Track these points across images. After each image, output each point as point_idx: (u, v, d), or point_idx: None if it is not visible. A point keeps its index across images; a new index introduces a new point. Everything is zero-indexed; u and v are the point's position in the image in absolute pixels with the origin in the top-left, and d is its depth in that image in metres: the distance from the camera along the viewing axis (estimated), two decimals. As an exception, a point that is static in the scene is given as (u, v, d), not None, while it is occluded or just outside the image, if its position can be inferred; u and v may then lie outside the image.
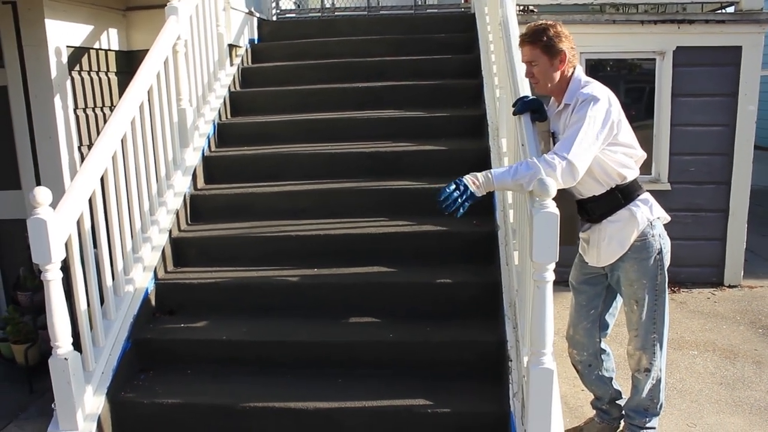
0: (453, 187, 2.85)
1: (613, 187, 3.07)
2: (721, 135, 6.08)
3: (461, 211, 2.85)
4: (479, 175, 2.88)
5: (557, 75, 3.08)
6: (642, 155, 3.15)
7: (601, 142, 2.93)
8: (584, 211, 3.20)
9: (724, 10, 6.73)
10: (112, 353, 3.30)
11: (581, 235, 3.33)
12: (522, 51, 3.15)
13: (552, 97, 3.32)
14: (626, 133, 3.05)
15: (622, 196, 3.08)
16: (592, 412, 3.68)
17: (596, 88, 3.00)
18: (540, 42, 3.05)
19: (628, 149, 3.07)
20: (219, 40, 5.22)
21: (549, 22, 3.08)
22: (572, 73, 3.10)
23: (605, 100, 2.94)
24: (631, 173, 3.09)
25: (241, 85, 5.54)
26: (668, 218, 3.19)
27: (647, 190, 3.18)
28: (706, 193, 6.19)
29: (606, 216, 3.12)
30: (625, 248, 3.10)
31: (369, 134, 4.74)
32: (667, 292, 3.19)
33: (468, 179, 2.87)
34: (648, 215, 3.09)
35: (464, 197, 2.84)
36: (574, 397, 4.10)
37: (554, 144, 3.16)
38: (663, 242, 3.13)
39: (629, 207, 3.08)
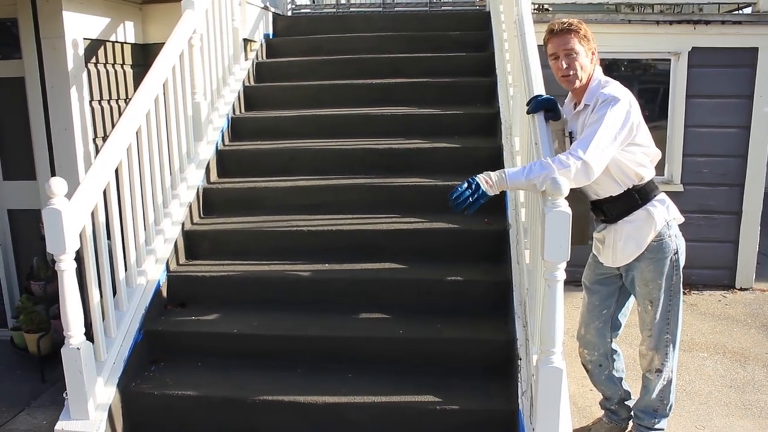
0: (465, 185, 2.85)
1: (630, 187, 3.06)
2: (736, 137, 6.04)
3: (471, 210, 2.85)
4: (493, 174, 2.87)
5: (590, 69, 3.06)
6: (657, 153, 3.14)
7: (619, 143, 2.91)
8: (600, 211, 3.19)
9: (741, 11, 6.68)
10: (124, 344, 3.32)
11: (596, 235, 3.32)
12: (554, 42, 3.05)
13: (566, 98, 3.31)
14: (644, 134, 3.04)
15: (639, 196, 3.07)
16: (600, 412, 3.68)
17: (616, 89, 2.98)
18: (579, 32, 3.01)
19: (646, 148, 3.06)
20: (234, 34, 5.23)
21: (577, 20, 3.07)
22: (592, 73, 3.09)
23: (626, 102, 2.92)
24: (648, 173, 3.08)
25: (256, 79, 5.55)
26: (682, 219, 3.18)
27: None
28: (719, 194, 6.16)
29: (623, 216, 3.10)
30: (642, 248, 3.09)
31: (382, 131, 4.75)
32: (681, 293, 3.19)
33: (481, 178, 2.86)
34: (665, 215, 3.08)
35: (476, 196, 2.83)
36: (582, 396, 4.10)
37: (571, 144, 3.15)
38: (679, 242, 3.12)
39: (646, 207, 3.06)
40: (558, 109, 3.24)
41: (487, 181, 2.85)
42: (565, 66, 3.05)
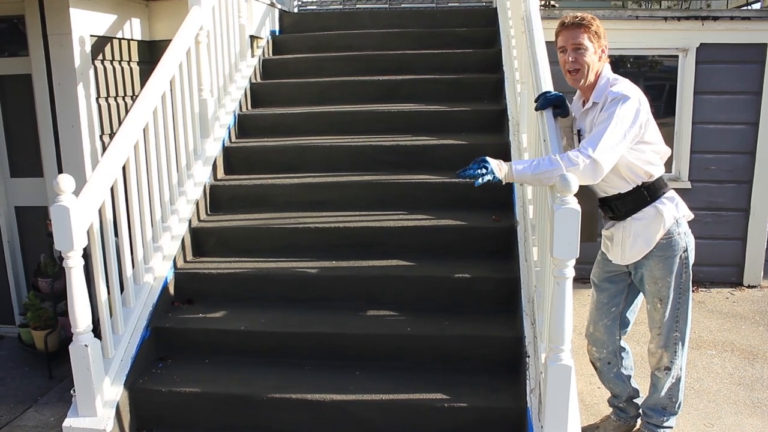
0: (476, 166, 2.85)
1: (639, 184, 3.04)
2: (744, 133, 6.01)
3: (479, 181, 2.83)
4: (504, 164, 2.89)
5: (598, 66, 3.04)
6: (666, 150, 3.12)
7: (629, 141, 2.89)
8: (609, 208, 3.18)
9: (749, 7, 6.65)
10: (131, 341, 3.33)
11: (604, 232, 3.30)
12: (564, 36, 3.05)
13: (575, 95, 3.30)
14: (653, 132, 3.02)
15: (648, 193, 3.05)
16: (608, 410, 3.67)
17: (626, 86, 2.96)
18: (590, 27, 2.99)
19: (655, 146, 3.05)
20: (241, 31, 5.23)
21: (591, 15, 3.05)
22: (601, 71, 3.07)
23: (635, 99, 2.90)
24: (657, 170, 3.06)
25: (262, 76, 5.55)
26: (692, 216, 3.16)
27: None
28: (727, 191, 6.13)
29: (631, 213, 3.09)
30: (651, 246, 3.08)
31: (389, 128, 4.74)
32: (691, 291, 3.17)
33: (494, 163, 2.86)
34: (674, 213, 3.06)
35: (485, 172, 2.83)
36: (590, 394, 4.09)
37: (579, 142, 3.14)
38: (688, 240, 3.10)
39: (655, 204, 3.05)
40: (566, 105, 3.23)
41: (500, 168, 2.87)
42: (571, 60, 3.04)
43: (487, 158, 2.88)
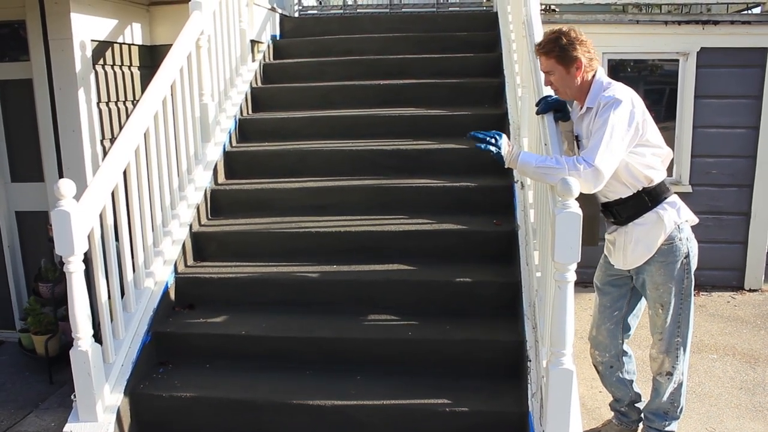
0: (490, 136, 2.90)
1: (640, 189, 3.04)
2: (745, 137, 6.02)
3: (482, 146, 2.90)
4: (516, 148, 2.92)
5: (575, 82, 3.04)
6: (668, 152, 3.11)
7: (627, 144, 2.89)
8: (611, 213, 3.17)
9: (750, 11, 6.65)
10: (132, 346, 3.32)
11: (607, 236, 3.30)
12: (539, 60, 3.13)
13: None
14: (653, 132, 3.02)
15: (648, 198, 3.05)
16: (610, 414, 3.66)
17: (618, 90, 2.96)
18: (553, 53, 3.02)
19: (656, 149, 3.04)
20: (241, 35, 5.23)
21: (563, 29, 3.03)
22: (593, 76, 3.07)
23: (627, 102, 2.90)
24: (658, 175, 3.06)
25: (263, 81, 5.55)
26: (696, 220, 3.16)
27: (671, 193, 3.15)
28: (728, 195, 6.13)
29: (632, 219, 3.09)
30: (652, 251, 3.07)
31: (390, 132, 4.74)
32: (692, 296, 3.16)
33: (505, 142, 2.91)
34: (675, 218, 3.06)
35: (494, 145, 2.89)
36: (591, 398, 4.08)
37: (578, 146, 3.14)
38: (690, 246, 3.10)
39: (656, 210, 3.04)
40: (567, 109, 3.24)
41: (510, 149, 2.91)
42: (545, 82, 3.15)
43: (504, 135, 2.93)
